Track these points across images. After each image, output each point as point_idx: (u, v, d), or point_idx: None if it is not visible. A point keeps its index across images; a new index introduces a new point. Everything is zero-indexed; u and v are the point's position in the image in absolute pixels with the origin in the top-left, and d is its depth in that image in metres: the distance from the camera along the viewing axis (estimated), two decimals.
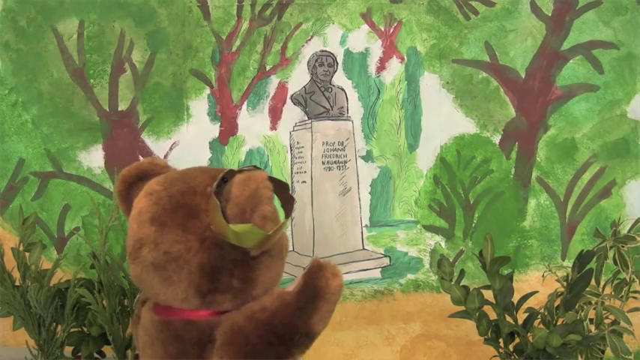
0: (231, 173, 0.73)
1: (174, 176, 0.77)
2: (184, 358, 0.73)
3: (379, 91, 1.19)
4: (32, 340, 1.06)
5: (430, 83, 1.18)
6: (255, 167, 0.75)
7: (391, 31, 1.18)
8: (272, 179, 0.73)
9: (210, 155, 1.19)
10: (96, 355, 1.07)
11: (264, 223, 0.69)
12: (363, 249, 1.19)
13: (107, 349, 1.07)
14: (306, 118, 1.20)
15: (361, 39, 1.19)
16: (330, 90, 1.20)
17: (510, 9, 1.17)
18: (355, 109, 1.19)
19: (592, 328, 0.93)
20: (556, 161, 1.18)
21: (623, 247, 0.95)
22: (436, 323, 1.18)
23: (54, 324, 1.05)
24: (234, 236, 0.69)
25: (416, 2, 1.18)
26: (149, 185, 0.77)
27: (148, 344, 0.76)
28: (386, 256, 1.19)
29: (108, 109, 1.20)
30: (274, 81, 1.20)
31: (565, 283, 0.97)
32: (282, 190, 0.79)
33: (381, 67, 1.19)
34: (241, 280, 0.72)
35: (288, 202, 0.80)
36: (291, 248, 1.18)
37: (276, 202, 0.75)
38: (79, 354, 1.06)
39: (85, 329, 1.06)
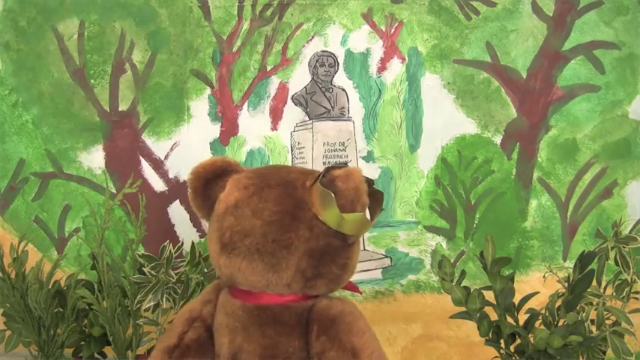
0: (326, 170, 0.80)
1: (263, 172, 0.84)
2: (284, 338, 0.79)
3: (380, 91, 1.19)
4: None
5: (431, 83, 1.18)
6: (345, 164, 0.84)
7: (392, 31, 1.18)
8: None
9: (211, 156, 1.19)
10: (97, 356, 1.07)
11: (365, 212, 0.77)
12: (364, 249, 1.19)
13: (107, 350, 1.07)
14: (307, 118, 1.19)
15: (362, 39, 1.19)
16: (331, 90, 1.20)
17: (511, 9, 1.17)
18: (356, 109, 1.19)
19: (593, 329, 0.92)
20: (557, 162, 1.18)
21: (624, 247, 0.95)
22: (437, 324, 1.17)
23: (54, 325, 1.05)
24: (345, 225, 0.76)
25: (417, 2, 1.17)
26: (240, 180, 0.82)
27: (239, 329, 0.81)
28: (387, 256, 1.19)
29: (108, 110, 1.20)
30: (275, 81, 1.19)
31: (566, 284, 0.97)
32: (369, 184, 0.84)
33: (382, 68, 1.19)
34: (340, 266, 0.79)
35: (375, 195, 0.85)
36: None
37: None
38: (80, 355, 1.06)
39: (87, 330, 1.06)
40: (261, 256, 0.78)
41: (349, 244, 0.80)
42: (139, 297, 1.00)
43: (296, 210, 0.78)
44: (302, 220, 0.78)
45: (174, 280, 1.01)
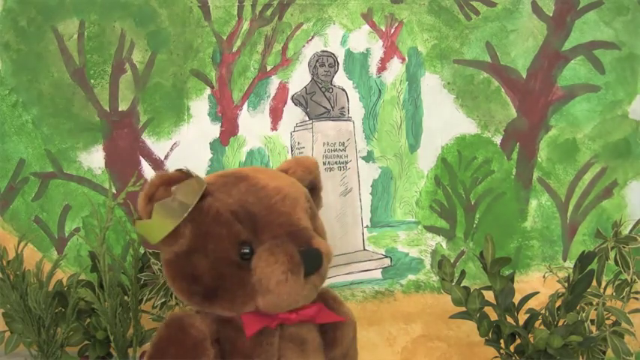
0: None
1: None
2: None
3: (380, 91, 1.19)
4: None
5: (431, 83, 1.18)
6: (179, 170, 0.76)
7: (392, 31, 1.18)
8: (182, 179, 0.74)
9: (211, 156, 1.19)
10: (102, 355, 1.07)
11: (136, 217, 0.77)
12: (364, 250, 1.19)
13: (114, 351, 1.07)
14: (307, 118, 1.19)
15: (362, 39, 1.19)
16: (330, 90, 1.19)
17: (511, 9, 1.17)
18: (356, 109, 1.19)
19: (593, 329, 0.93)
20: (557, 162, 1.18)
21: (624, 247, 0.95)
22: (437, 324, 1.17)
23: (54, 325, 1.05)
24: None
25: (417, 2, 1.17)
26: None
27: None
28: (387, 256, 1.19)
29: (108, 110, 1.20)
30: (275, 81, 1.19)
31: (566, 284, 0.97)
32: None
33: (382, 68, 1.19)
34: (167, 277, 0.78)
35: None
36: None
37: None
38: (87, 354, 1.06)
39: (90, 331, 1.06)
40: None
41: (166, 256, 0.76)
42: (148, 294, 1.01)
43: None
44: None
45: None
